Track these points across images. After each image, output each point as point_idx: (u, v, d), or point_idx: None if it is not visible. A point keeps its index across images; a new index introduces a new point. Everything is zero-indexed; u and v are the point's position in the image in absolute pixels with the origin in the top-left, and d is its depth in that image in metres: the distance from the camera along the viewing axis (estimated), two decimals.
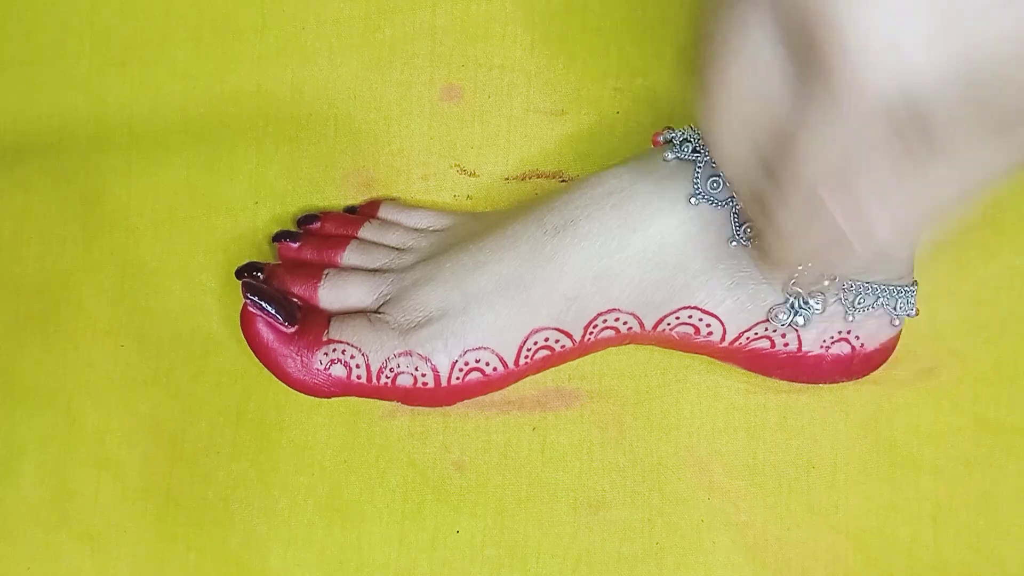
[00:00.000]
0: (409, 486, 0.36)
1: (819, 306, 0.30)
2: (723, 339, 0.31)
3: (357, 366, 0.31)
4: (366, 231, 0.35)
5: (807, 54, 0.19)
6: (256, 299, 0.31)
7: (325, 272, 0.33)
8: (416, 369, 0.31)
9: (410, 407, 0.35)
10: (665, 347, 0.33)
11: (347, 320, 0.32)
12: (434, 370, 0.31)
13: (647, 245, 0.29)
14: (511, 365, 0.31)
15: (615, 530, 0.35)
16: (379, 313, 0.32)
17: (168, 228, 0.38)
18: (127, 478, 0.37)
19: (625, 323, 0.31)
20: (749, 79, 0.20)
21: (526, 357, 0.31)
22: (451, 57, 0.38)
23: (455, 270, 0.31)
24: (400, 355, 0.31)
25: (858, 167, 0.20)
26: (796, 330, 0.31)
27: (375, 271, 0.33)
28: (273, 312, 0.31)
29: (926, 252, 0.31)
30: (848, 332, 0.31)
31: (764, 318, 0.30)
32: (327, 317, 0.32)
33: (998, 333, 0.34)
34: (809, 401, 0.35)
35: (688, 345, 0.32)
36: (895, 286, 0.30)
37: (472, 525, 0.35)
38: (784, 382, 0.34)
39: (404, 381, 0.31)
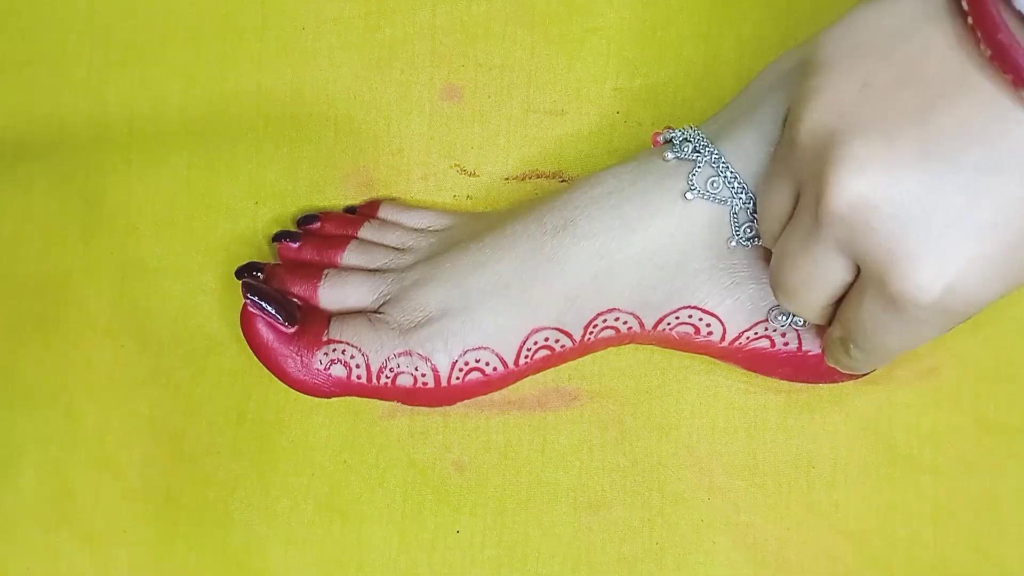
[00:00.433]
0: (409, 486, 0.36)
1: None
2: (723, 339, 0.31)
3: (357, 366, 0.31)
4: (366, 231, 0.35)
5: (872, 279, 0.22)
6: (256, 299, 0.31)
7: (325, 272, 0.33)
8: (416, 369, 0.31)
9: (410, 407, 0.35)
10: (665, 347, 0.33)
11: (347, 320, 0.32)
12: (434, 370, 0.31)
13: (647, 245, 0.29)
14: (511, 365, 0.31)
15: (615, 530, 0.35)
16: (379, 313, 0.32)
17: (168, 228, 0.38)
18: (127, 478, 0.37)
19: (625, 323, 0.31)
20: (821, 287, 0.25)
21: (526, 357, 0.31)
22: (451, 57, 0.38)
23: (455, 270, 0.31)
24: (400, 355, 0.31)
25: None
26: (796, 330, 0.31)
27: (375, 271, 0.33)
28: (273, 312, 0.31)
29: None
30: None
31: (764, 318, 0.30)
32: (327, 317, 0.32)
33: (998, 333, 0.34)
34: (809, 401, 0.34)
35: (688, 345, 0.32)
36: None
37: (472, 525, 0.35)
38: (784, 382, 0.34)
39: (404, 381, 0.31)
